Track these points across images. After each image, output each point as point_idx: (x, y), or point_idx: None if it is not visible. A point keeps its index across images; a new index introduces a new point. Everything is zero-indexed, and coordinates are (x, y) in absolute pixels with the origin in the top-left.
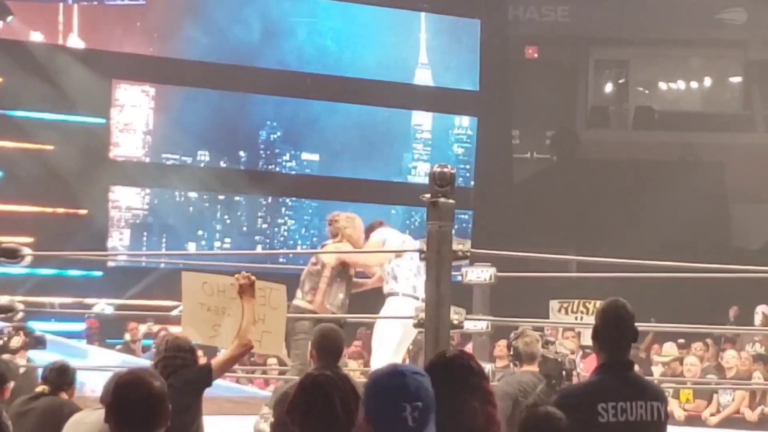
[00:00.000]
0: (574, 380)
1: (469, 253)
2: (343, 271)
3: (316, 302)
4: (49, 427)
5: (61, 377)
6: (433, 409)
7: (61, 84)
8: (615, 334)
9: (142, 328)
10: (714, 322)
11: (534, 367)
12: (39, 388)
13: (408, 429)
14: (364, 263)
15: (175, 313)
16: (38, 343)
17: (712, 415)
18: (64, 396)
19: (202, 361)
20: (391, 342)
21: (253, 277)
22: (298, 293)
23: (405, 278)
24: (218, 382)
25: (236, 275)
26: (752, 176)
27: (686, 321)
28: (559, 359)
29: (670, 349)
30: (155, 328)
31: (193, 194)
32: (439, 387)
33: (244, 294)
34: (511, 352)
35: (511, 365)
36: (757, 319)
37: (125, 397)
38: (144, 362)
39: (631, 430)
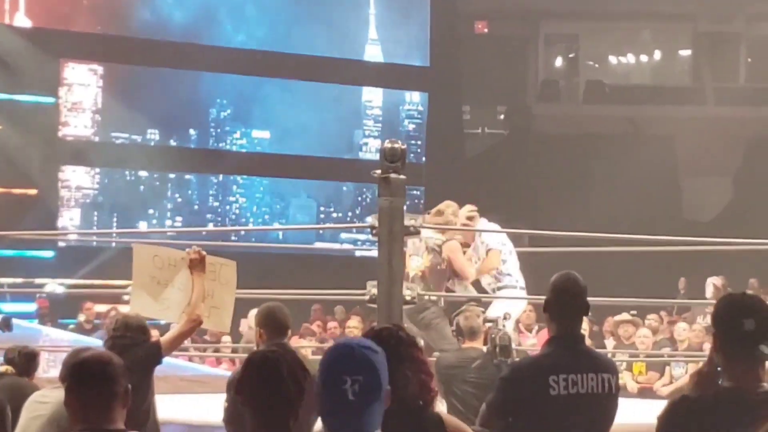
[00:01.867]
0: (513, 355)
1: (420, 229)
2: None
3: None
4: (12, 403)
5: (29, 362)
6: (380, 388)
7: (8, 63)
8: (566, 307)
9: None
10: (666, 294)
11: (477, 343)
12: (2, 368)
13: (347, 402)
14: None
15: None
16: (5, 325)
17: (664, 386)
18: (26, 380)
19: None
20: None
21: (204, 253)
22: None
23: (517, 271)
24: (172, 361)
25: (187, 249)
26: (702, 149)
27: (638, 293)
28: (493, 335)
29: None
30: (105, 307)
31: (143, 173)
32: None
33: (194, 269)
34: (453, 327)
35: (457, 341)
36: (709, 291)
37: (82, 375)
38: (96, 342)
39: (583, 402)
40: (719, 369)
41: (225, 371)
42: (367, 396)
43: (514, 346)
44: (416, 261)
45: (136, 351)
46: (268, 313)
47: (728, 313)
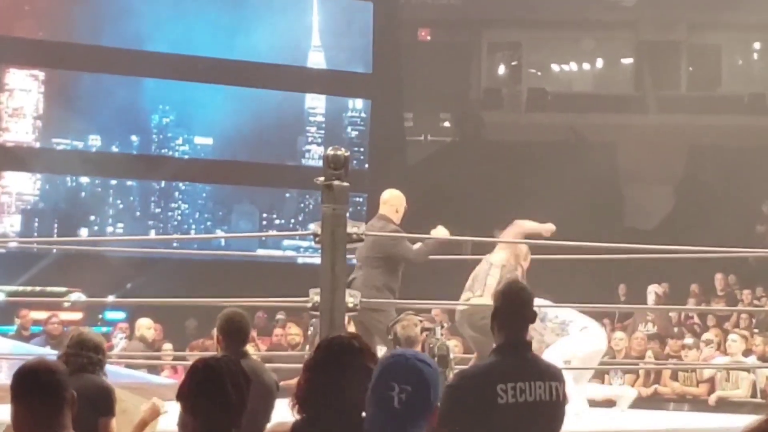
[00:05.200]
0: (451, 365)
1: (363, 236)
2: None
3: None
4: None
5: None
6: (428, 402)
7: None
8: (514, 316)
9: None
10: (608, 301)
11: None
12: None
13: (392, 410)
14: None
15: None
16: None
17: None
18: None
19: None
20: None
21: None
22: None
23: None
24: (111, 368)
25: (154, 399)
26: (644, 157)
27: (580, 301)
28: (431, 345)
29: None
30: (43, 314)
31: (84, 179)
32: (327, 363)
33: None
34: (391, 337)
35: (393, 349)
36: (650, 298)
37: (25, 383)
38: (37, 350)
39: (531, 410)
40: None
41: (165, 379)
42: (414, 407)
43: (451, 355)
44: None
45: (90, 384)
46: (228, 320)
47: None
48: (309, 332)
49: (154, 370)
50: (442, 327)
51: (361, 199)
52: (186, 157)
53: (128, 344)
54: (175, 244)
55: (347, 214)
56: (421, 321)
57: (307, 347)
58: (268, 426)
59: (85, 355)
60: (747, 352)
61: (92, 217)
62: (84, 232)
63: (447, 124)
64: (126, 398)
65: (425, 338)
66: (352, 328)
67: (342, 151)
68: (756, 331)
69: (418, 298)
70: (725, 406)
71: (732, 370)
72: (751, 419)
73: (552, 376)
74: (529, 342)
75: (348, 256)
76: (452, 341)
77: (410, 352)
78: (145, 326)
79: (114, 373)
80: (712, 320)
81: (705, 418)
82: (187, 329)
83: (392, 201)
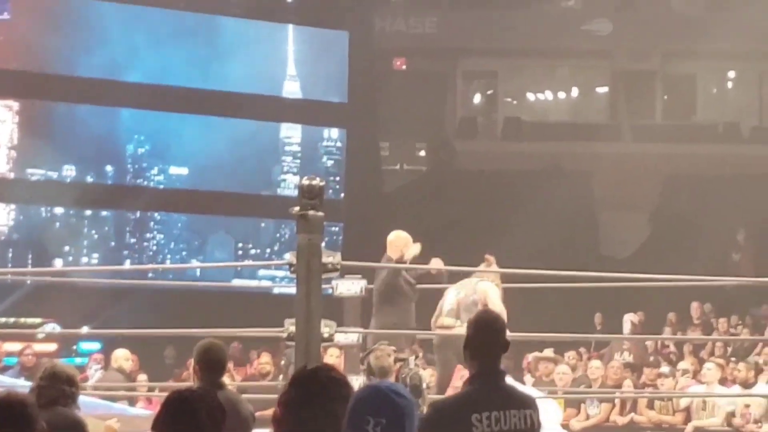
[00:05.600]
0: (424, 394)
1: (339, 266)
2: None
3: None
4: None
5: None
6: None
7: None
8: (487, 345)
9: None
10: (583, 330)
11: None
12: None
13: None
14: None
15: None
16: None
17: (578, 422)
18: None
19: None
20: None
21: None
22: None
23: None
24: (85, 399)
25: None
26: (620, 185)
27: (556, 329)
28: (403, 375)
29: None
30: (17, 346)
31: (59, 210)
32: (304, 397)
33: None
34: (364, 367)
35: (367, 379)
36: (626, 327)
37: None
38: (11, 381)
39: None
40: None
41: (142, 410)
42: None
43: (424, 385)
44: (450, 295)
45: (61, 417)
46: (205, 351)
47: None
48: (282, 362)
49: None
50: (416, 357)
51: (337, 229)
52: (161, 187)
53: (105, 375)
54: (150, 275)
55: (323, 244)
56: (394, 351)
57: (281, 377)
58: None
59: (58, 388)
60: (723, 381)
61: (67, 248)
62: (59, 263)
63: (423, 153)
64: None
65: (399, 368)
66: (328, 359)
67: (317, 181)
68: (733, 359)
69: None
70: None
71: (708, 399)
72: None
73: (527, 404)
74: (503, 371)
75: (323, 287)
76: (427, 371)
77: (384, 384)
78: (123, 357)
79: (89, 404)
80: (688, 349)
81: None
82: (166, 359)
83: (397, 242)
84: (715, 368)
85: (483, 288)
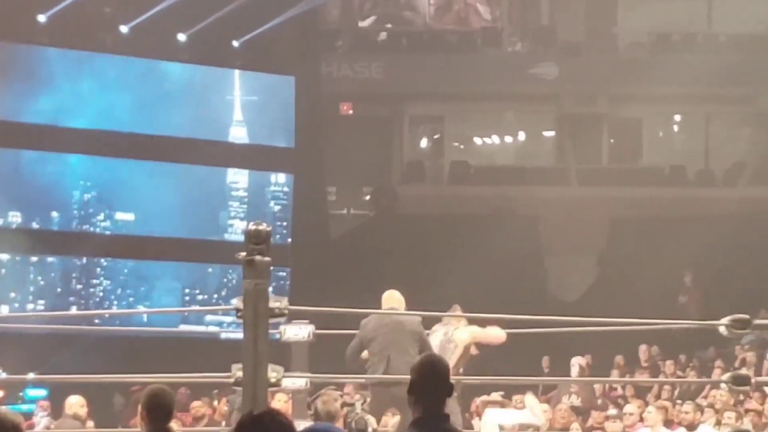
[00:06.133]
0: None
1: (286, 311)
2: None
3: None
4: None
5: None
6: None
7: None
8: (431, 388)
9: None
10: (531, 374)
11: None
12: None
13: None
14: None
15: None
16: None
17: None
18: None
19: None
20: None
21: None
22: None
23: None
24: None
25: None
26: (567, 229)
27: (504, 373)
28: (349, 419)
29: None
30: None
31: (4, 256)
32: None
33: None
34: (311, 412)
35: None
36: (574, 371)
37: None
38: None
39: None
40: None
41: None
42: None
43: (370, 429)
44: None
45: None
46: (152, 396)
47: None
48: (226, 408)
49: None
50: (364, 402)
51: (284, 274)
52: (108, 233)
53: (59, 422)
54: (96, 321)
55: (270, 289)
56: (341, 396)
57: (223, 423)
58: None
59: None
60: (669, 423)
61: (12, 294)
62: (5, 309)
63: (368, 197)
64: None
65: (346, 413)
66: (276, 403)
67: (263, 226)
68: (678, 402)
69: (335, 372)
70: None
71: None
72: None
73: None
74: (447, 414)
75: (271, 332)
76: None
77: (321, 427)
78: (78, 404)
79: None
80: (630, 392)
81: None
82: (114, 406)
83: (396, 298)
84: (656, 411)
85: (459, 336)
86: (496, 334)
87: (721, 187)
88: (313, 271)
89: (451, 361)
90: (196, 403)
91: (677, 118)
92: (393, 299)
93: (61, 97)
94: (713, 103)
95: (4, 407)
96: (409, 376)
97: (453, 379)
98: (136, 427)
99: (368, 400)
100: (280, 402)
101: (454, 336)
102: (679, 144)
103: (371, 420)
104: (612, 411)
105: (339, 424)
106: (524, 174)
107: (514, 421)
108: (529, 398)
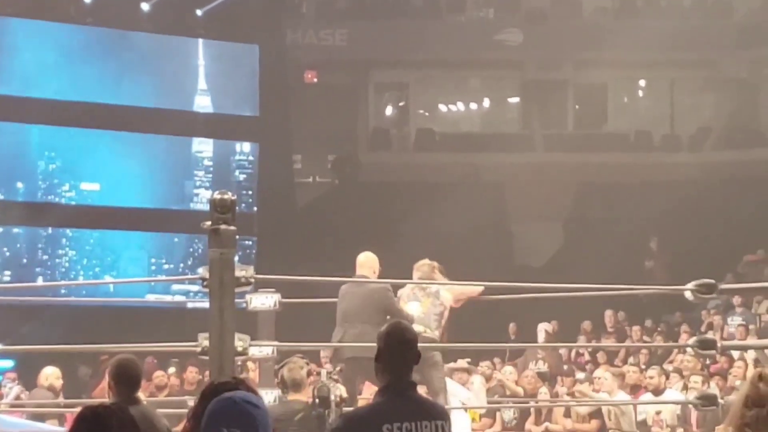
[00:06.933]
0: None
1: (252, 280)
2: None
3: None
4: None
5: None
6: None
7: None
8: (398, 356)
9: None
10: (498, 340)
11: (302, 395)
12: None
13: None
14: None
15: None
16: None
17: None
18: None
19: None
20: None
21: None
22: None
23: None
24: (7, 419)
25: None
26: (532, 195)
27: (470, 339)
28: (314, 387)
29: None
30: None
31: None
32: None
33: None
34: (278, 380)
35: (281, 392)
36: (541, 336)
37: None
38: None
39: None
40: None
41: (55, 427)
42: None
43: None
44: (415, 306)
45: None
46: (119, 366)
47: None
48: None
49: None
50: (333, 371)
51: (250, 243)
52: (73, 203)
53: (33, 392)
54: (63, 291)
55: (236, 258)
56: (307, 364)
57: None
58: None
59: None
60: (636, 388)
61: None
62: None
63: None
64: None
65: (312, 382)
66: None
67: (228, 195)
68: (643, 367)
69: (302, 340)
70: None
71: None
72: None
73: (438, 414)
74: (414, 382)
75: (237, 301)
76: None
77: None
78: (54, 375)
79: (5, 422)
80: (603, 357)
81: None
82: (80, 376)
83: (368, 263)
84: (612, 377)
85: (445, 296)
86: (472, 288)
87: (687, 152)
88: (279, 239)
89: (443, 324)
90: (158, 373)
91: (642, 83)
92: (363, 264)
93: (25, 67)
94: (678, 68)
95: None
96: (369, 344)
97: (435, 347)
98: (103, 397)
99: (338, 369)
100: (247, 371)
101: (441, 297)
102: (644, 109)
103: (340, 389)
104: (580, 375)
105: (305, 391)
106: (490, 140)
107: (461, 398)
108: (477, 380)
